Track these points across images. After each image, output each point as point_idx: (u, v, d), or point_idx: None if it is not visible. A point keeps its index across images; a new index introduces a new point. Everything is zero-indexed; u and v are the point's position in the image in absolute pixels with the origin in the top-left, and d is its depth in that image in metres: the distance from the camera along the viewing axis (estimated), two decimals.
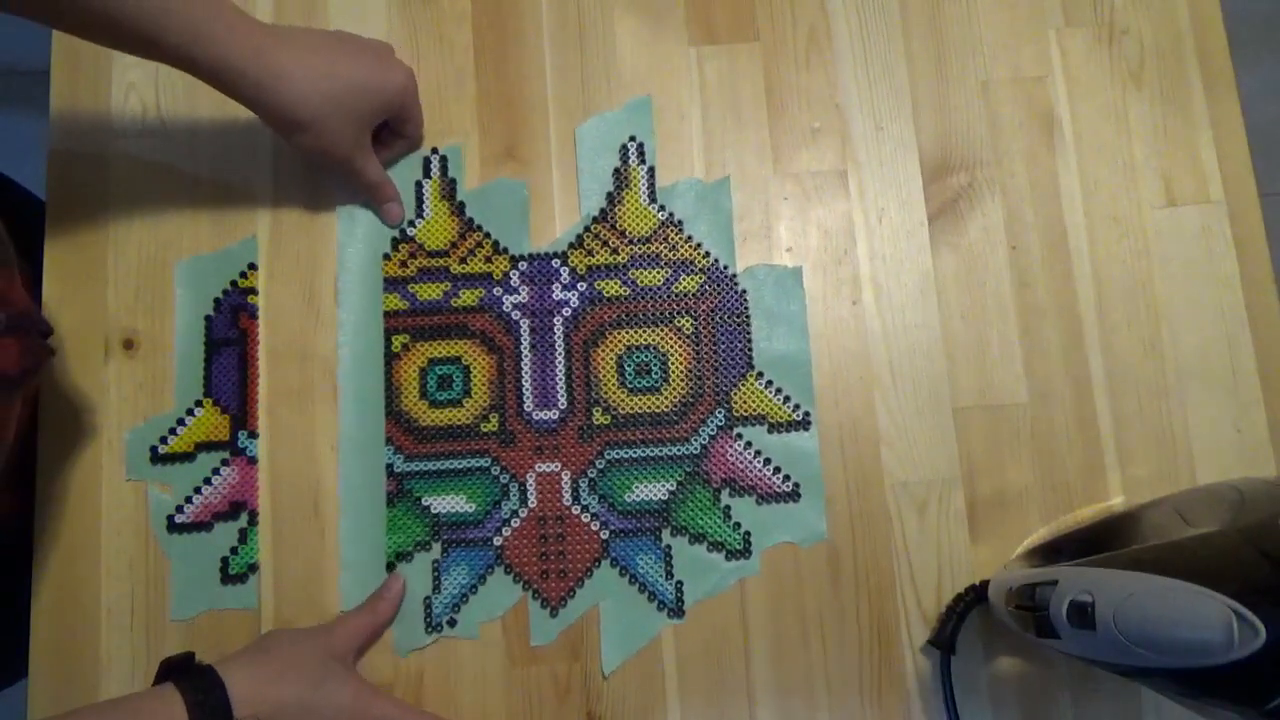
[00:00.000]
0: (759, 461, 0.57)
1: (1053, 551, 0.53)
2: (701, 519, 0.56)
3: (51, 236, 0.58)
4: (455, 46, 0.62)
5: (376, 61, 0.54)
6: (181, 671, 0.47)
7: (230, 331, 0.58)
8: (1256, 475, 0.51)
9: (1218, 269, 0.59)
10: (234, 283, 0.58)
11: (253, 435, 0.57)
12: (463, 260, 0.59)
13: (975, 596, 0.53)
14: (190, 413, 0.57)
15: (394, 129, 0.58)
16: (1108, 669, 0.42)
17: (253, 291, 0.58)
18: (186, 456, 0.56)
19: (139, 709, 0.45)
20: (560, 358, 0.58)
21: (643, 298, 0.58)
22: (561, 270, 0.59)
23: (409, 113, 0.57)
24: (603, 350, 0.58)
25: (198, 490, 0.56)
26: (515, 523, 0.56)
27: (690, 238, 0.59)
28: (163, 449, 0.56)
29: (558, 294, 0.58)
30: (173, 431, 0.56)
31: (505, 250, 0.59)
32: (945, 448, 0.57)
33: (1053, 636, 0.42)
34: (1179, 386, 0.58)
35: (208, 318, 0.58)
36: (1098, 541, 0.50)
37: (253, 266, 0.59)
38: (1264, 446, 0.57)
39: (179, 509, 0.56)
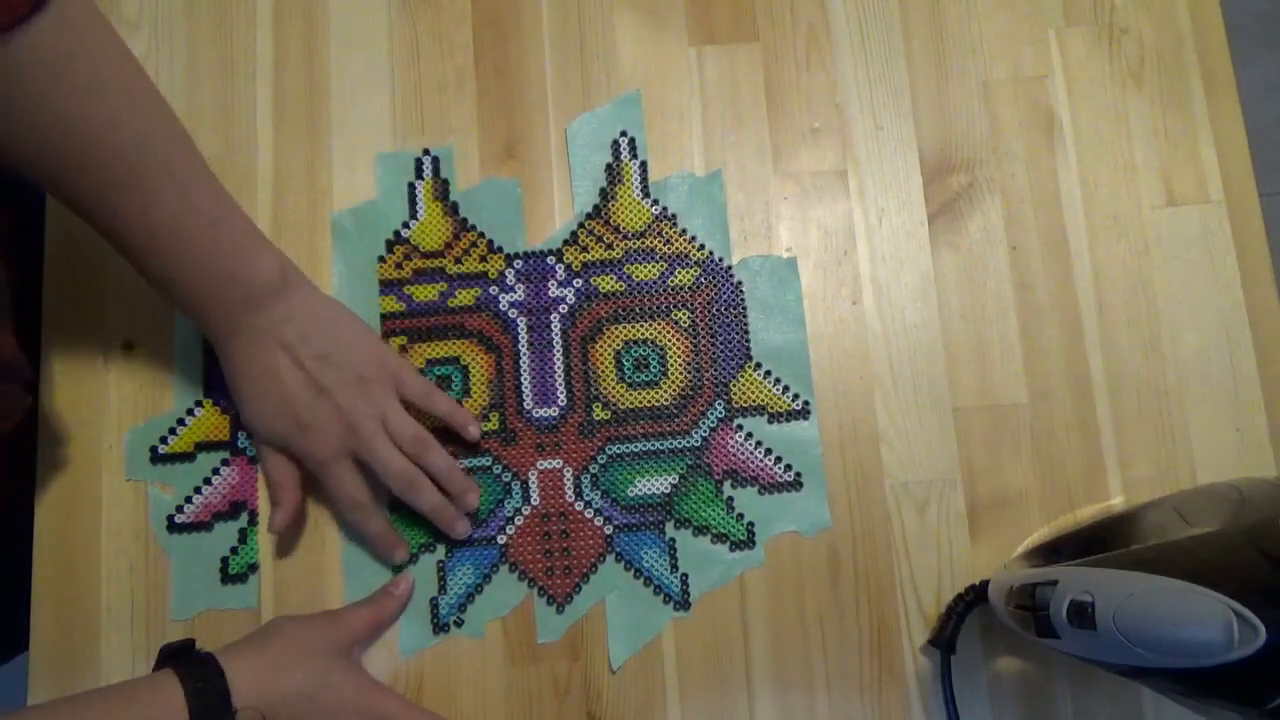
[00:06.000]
0: (760, 452, 0.57)
1: (1053, 551, 0.53)
2: (705, 511, 0.56)
3: (51, 236, 0.58)
4: (455, 46, 0.61)
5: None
6: (181, 658, 0.46)
7: None
8: (1256, 475, 0.51)
9: (1218, 269, 0.59)
10: None
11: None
12: (458, 260, 0.59)
13: (975, 596, 0.53)
14: (190, 413, 0.57)
15: None
16: (1108, 669, 0.42)
17: None
18: (186, 456, 0.56)
19: (136, 695, 0.44)
20: (558, 355, 0.58)
21: (639, 292, 0.58)
22: (557, 267, 0.59)
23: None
24: (601, 346, 0.58)
25: (198, 490, 0.56)
26: (519, 521, 0.56)
27: (684, 231, 0.59)
28: (163, 449, 0.56)
29: (554, 291, 0.58)
30: (173, 431, 0.56)
31: (500, 249, 0.59)
32: (945, 448, 0.57)
33: (1053, 636, 0.42)
34: (1179, 386, 0.58)
35: None
36: (1098, 541, 0.50)
37: None
38: (1264, 447, 0.57)
39: (179, 509, 0.55)
